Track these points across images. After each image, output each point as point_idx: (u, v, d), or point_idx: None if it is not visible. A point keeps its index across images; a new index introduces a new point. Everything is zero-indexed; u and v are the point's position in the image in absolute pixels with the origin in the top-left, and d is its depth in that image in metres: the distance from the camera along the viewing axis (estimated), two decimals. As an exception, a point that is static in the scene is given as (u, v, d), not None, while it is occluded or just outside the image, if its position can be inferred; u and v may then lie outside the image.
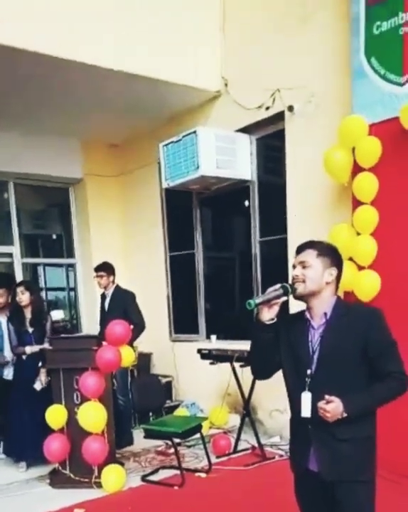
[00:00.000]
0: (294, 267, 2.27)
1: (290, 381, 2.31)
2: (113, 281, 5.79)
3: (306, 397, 2.21)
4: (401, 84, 4.04)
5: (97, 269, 5.82)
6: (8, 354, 5.25)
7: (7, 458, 5.15)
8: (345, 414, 2.10)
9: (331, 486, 2.23)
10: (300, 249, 2.27)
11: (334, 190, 4.69)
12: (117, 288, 5.81)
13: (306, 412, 2.21)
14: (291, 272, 2.26)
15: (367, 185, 4.24)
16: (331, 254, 2.26)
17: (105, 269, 5.77)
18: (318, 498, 2.32)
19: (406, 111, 3.90)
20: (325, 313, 2.23)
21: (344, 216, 4.52)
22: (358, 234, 4.36)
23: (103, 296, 5.92)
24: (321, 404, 2.10)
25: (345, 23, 4.40)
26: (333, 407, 2.08)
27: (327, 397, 2.09)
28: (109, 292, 5.80)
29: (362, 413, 2.16)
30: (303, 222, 5.08)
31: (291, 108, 5.00)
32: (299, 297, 2.23)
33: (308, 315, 2.28)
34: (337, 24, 4.53)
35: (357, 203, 4.36)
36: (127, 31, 5.09)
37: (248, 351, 5.04)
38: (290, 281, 2.25)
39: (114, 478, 4.42)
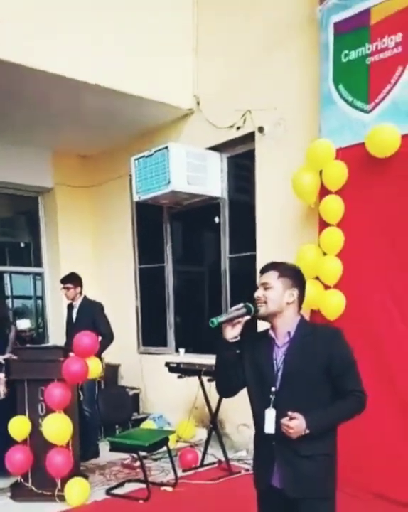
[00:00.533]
0: (256, 288, 2.34)
1: (254, 398, 2.37)
2: (80, 293, 5.78)
3: (270, 414, 2.27)
4: (368, 112, 4.19)
5: (64, 280, 5.79)
6: None
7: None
8: (307, 431, 2.16)
9: (294, 502, 2.28)
10: (263, 271, 2.35)
11: (302, 211, 4.81)
12: (85, 299, 5.80)
13: (269, 428, 2.27)
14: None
15: (334, 207, 4.37)
16: (292, 275, 2.33)
17: (72, 280, 5.75)
18: None
19: (371, 137, 4.05)
20: (289, 333, 2.30)
21: (311, 236, 4.64)
22: (324, 254, 4.48)
23: (70, 307, 5.89)
24: (285, 420, 2.16)
25: (315, 50, 4.55)
26: (297, 424, 2.14)
27: (290, 413, 2.16)
28: (77, 303, 5.78)
29: (324, 430, 2.24)
30: (271, 240, 5.19)
31: (261, 129, 5.12)
32: (262, 318, 2.32)
33: (272, 334, 2.34)
34: (308, 51, 4.67)
35: (323, 225, 4.48)
36: (103, 45, 5.14)
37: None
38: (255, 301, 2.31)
39: (78, 492, 4.39)
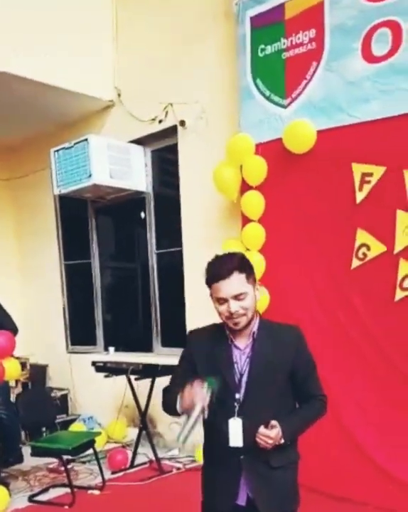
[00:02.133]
0: (221, 300, 1.98)
1: (212, 409, 1.94)
2: None
3: (235, 425, 2.03)
4: (285, 107, 4.18)
5: None
6: None
7: None
8: (282, 441, 1.99)
9: None
10: (224, 274, 1.95)
11: (225, 206, 4.77)
12: None
13: (235, 441, 2.02)
14: (220, 308, 2.00)
15: (254, 203, 4.35)
16: (251, 269, 2.04)
17: None
18: None
19: (288, 132, 4.05)
20: (254, 333, 2.07)
21: (235, 231, 4.61)
22: (247, 249, 4.46)
23: None
24: (264, 431, 1.95)
25: (234, 44, 4.49)
26: (276, 433, 1.95)
27: (272, 422, 1.96)
28: None
29: (295, 437, 2.11)
30: (197, 236, 5.14)
31: (182, 123, 5.05)
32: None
33: (230, 335, 2.08)
34: (227, 44, 4.61)
35: (246, 220, 4.47)
36: (18, 32, 4.90)
37: (144, 365, 5.02)
38: (225, 317, 2.00)
39: (-4, 501, 4.24)
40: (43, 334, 6.69)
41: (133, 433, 5.63)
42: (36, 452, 4.58)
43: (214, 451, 2.16)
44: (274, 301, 4.39)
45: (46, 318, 6.85)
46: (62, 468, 4.83)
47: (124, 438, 5.78)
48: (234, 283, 1.96)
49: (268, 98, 4.28)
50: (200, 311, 5.46)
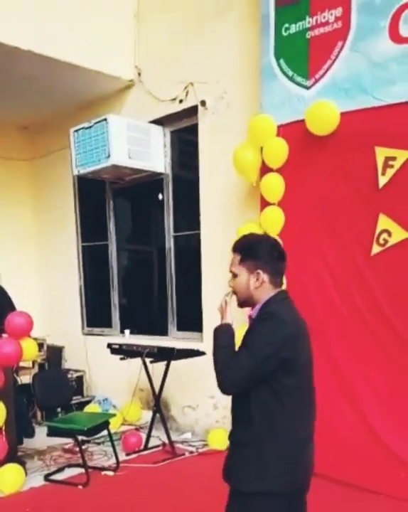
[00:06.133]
0: None
1: None
2: None
3: None
4: (308, 88, 4.08)
5: None
6: None
7: None
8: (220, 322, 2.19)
9: None
10: (232, 250, 2.18)
11: (244, 189, 4.71)
12: None
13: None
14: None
15: (274, 185, 4.27)
16: (255, 254, 2.10)
17: None
18: None
19: (310, 114, 3.95)
20: (250, 316, 2.16)
21: (253, 215, 4.55)
22: (265, 233, 4.39)
23: None
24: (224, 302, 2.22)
25: (256, 23, 4.39)
26: (222, 309, 2.21)
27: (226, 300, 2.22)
28: None
29: (214, 339, 2.14)
30: (215, 218, 5.09)
31: (203, 103, 4.97)
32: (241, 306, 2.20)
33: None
34: (249, 23, 4.52)
35: (265, 203, 4.39)
36: (41, 12, 4.88)
37: (159, 348, 5.02)
38: None
39: (12, 479, 4.25)
40: (59, 315, 6.72)
41: (147, 416, 5.65)
42: (52, 432, 4.60)
43: None
44: (290, 287, 4.29)
45: (63, 299, 6.87)
46: (77, 449, 4.85)
47: (138, 420, 5.80)
48: (233, 261, 2.16)
49: (290, 78, 4.17)
50: (216, 296, 5.47)
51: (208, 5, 4.87)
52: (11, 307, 5.12)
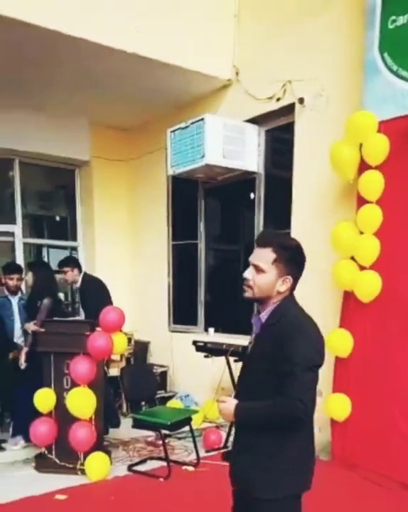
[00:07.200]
0: (249, 262, 2.08)
1: None
2: (80, 273, 5.62)
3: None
4: (414, 82, 3.92)
5: (60, 264, 5.65)
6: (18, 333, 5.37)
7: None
8: (233, 419, 2.07)
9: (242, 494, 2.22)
10: (259, 243, 2.07)
11: (340, 187, 4.59)
12: (85, 276, 5.65)
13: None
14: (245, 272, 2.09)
15: (373, 183, 4.13)
16: (291, 258, 2.05)
17: (68, 263, 5.63)
18: (237, 503, 2.31)
19: (416, 109, 3.79)
20: (260, 318, 2.11)
21: (348, 214, 4.43)
22: (361, 233, 4.26)
23: (75, 289, 5.84)
24: (217, 400, 2.13)
25: (360, 17, 4.28)
26: (223, 407, 2.07)
27: (223, 398, 2.10)
28: (79, 284, 5.64)
29: (249, 422, 2.06)
30: (307, 217, 4.99)
31: (301, 100, 4.90)
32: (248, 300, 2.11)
33: (254, 319, 2.16)
34: (352, 17, 4.40)
35: (361, 201, 4.26)
36: (142, 14, 5.01)
37: (244, 347, 4.98)
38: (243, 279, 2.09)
39: (98, 466, 4.39)
40: (147, 311, 6.83)
41: (228, 414, 5.60)
42: (137, 424, 4.69)
43: None
44: (386, 288, 4.19)
45: (151, 296, 6.99)
46: (160, 442, 4.92)
47: (219, 419, 5.74)
48: (262, 255, 2.04)
49: (395, 73, 4.03)
50: (305, 296, 5.35)
51: (309, 0, 4.79)
52: (109, 302, 5.28)
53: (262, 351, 2.06)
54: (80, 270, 5.66)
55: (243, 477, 2.14)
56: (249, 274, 2.06)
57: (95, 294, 5.46)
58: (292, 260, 2.05)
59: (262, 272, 2.03)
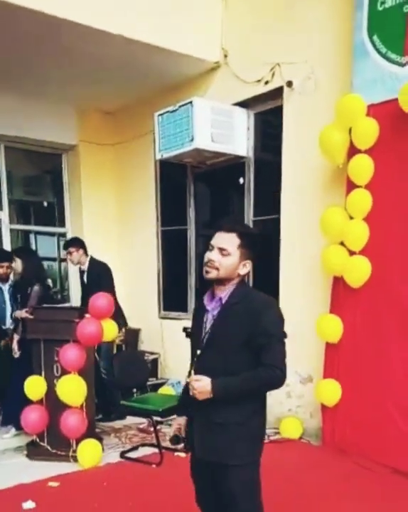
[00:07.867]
0: (211, 246, 2.23)
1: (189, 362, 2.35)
2: (86, 254, 5.70)
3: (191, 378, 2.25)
4: (402, 65, 3.88)
5: (66, 245, 5.77)
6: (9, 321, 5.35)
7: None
8: (211, 395, 2.14)
9: (210, 467, 2.30)
10: (223, 228, 2.22)
11: (329, 171, 4.56)
12: (92, 260, 5.73)
13: (190, 392, 2.24)
14: (206, 254, 2.24)
15: (363, 167, 4.11)
16: (253, 245, 2.25)
17: (74, 243, 5.71)
18: (205, 479, 2.41)
19: (405, 92, 3.74)
20: (221, 299, 2.25)
21: (338, 198, 4.41)
22: (351, 218, 4.24)
23: (81, 271, 5.83)
24: (189, 379, 2.20)
25: (349, -1, 4.21)
26: (200, 386, 2.14)
27: (194, 375, 2.18)
28: (85, 266, 5.72)
29: (229, 397, 2.17)
30: (296, 202, 4.96)
31: (290, 83, 4.84)
32: (208, 280, 2.26)
33: (206, 299, 2.32)
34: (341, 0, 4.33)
35: (351, 186, 4.24)
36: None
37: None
38: (204, 262, 2.24)
39: (91, 453, 4.40)
40: (137, 298, 6.79)
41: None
42: (128, 411, 4.72)
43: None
44: (375, 274, 4.19)
45: (141, 283, 6.95)
46: (151, 429, 4.93)
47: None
48: (227, 239, 2.20)
49: (384, 55, 3.98)
50: (294, 282, 5.39)
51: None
52: (113, 288, 5.34)
53: (231, 329, 2.18)
54: (86, 251, 5.71)
55: (215, 447, 2.24)
56: (213, 256, 2.20)
57: (100, 278, 5.51)
58: (252, 246, 2.24)
59: (228, 255, 2.19)
